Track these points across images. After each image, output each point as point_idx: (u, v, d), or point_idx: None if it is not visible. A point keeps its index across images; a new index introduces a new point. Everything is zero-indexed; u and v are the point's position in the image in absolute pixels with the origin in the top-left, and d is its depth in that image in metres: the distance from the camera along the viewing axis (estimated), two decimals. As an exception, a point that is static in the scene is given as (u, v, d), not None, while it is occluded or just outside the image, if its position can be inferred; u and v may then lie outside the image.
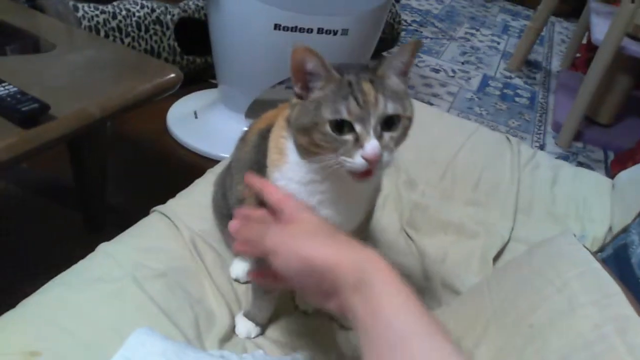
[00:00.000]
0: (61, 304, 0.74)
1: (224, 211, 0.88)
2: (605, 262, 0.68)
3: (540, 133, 2.59)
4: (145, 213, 0.99)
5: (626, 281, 0.63)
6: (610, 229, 1.08)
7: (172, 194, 1.06)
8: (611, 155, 2.44)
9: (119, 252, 0.86)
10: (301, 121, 0.60)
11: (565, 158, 2.38)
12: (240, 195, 0.77)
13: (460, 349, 0.45)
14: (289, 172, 0.66)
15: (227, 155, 1.21)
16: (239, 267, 0.89)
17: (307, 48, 0.56)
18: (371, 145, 0.56)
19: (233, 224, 0.64)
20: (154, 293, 0.79)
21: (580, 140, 2.52)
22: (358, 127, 0.57)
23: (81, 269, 0.82)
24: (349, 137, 0.57)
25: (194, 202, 1.01)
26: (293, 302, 0.88)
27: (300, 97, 0.62)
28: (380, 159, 0.57)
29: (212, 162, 1.82)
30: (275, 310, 0.83)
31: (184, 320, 0.77)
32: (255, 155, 0.74)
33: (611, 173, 2.30)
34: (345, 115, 0.56)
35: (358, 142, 0.57)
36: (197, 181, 1.08)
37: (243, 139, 0.84)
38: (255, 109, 1.95)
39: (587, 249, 0.67)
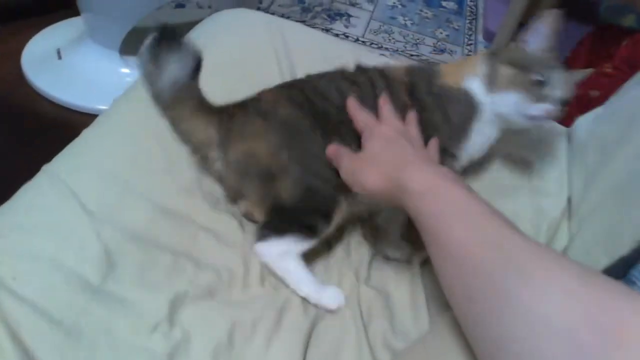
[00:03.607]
0: None
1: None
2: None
3: (472, 43, 2.35)
4: (4, 193, 0.74)
5: None
6: (569, 200, 0.87)
7: (37, 165, 0.77)
8: (547, 67, 2.24)
9: None
10: None
11: (499, 73, 2.16)
12: None
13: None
14: None
15: (104, 107, 0.88)
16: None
17: None
18: None
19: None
20: None
21: (513, 50, 2.29)
22: None
23: None
24: None
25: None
26: None
27: None
28: None
29: (86, 117, 1.47)
30: None
31: None
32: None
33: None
34: None
35: None
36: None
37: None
38: (132, 42, 1.56)
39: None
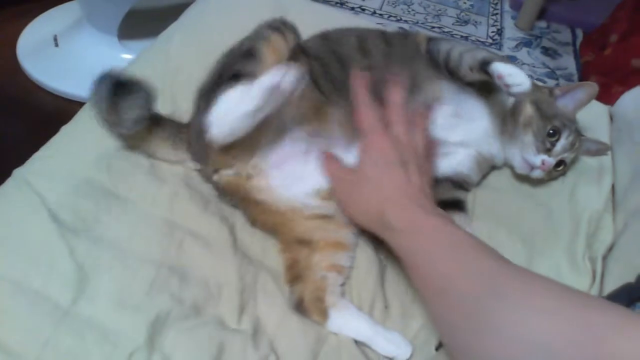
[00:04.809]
0: None
1: None
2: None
3: (497, 13, 2.19)
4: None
5: None
6: (613, 189, 0.75)
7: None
8: (580, 36, 2.07)
9: None
10: None
11: (528, 44, 2.01)
12: None
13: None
14: None
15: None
16: None
17: None
18: None
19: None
20: None
21: (543, 18, 2.13)
22: None
23: None
24: None
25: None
26: None
27: None
28: None
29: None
30: None
31: None
32: None
33: (581, 59, 1.95)
34: None
35: None
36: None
37: None
38: (131, 26, 1.47)
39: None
